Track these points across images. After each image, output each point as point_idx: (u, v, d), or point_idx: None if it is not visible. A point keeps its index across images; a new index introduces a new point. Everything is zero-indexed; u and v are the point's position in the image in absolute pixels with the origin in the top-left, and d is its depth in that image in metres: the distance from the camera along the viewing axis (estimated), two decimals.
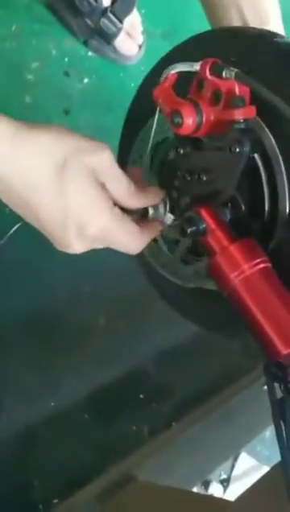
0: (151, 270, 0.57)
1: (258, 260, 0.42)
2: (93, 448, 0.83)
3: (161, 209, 0.49)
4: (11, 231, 0.52)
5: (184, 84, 0.45)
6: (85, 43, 1.02)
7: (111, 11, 0.97)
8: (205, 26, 0.65)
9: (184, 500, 0.60)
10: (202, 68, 0.42)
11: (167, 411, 0.91)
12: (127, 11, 0.99)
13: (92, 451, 0.83)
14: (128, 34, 1.02)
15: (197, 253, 0.52)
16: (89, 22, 0.98)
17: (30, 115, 0.94)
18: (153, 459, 0.79)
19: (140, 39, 1.04)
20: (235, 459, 0.84)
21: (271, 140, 0.44)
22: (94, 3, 0.97)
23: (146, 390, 0.90)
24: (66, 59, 1.02)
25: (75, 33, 1.01)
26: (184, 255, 0.53)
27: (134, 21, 1.02)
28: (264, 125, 0.44)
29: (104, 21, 0.98)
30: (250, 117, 0.43)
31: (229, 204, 0.46)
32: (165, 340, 0.96)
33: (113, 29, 0.99)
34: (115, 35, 1.00)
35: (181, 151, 0.48)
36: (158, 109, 0.48)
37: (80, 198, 0.41)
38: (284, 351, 0.40)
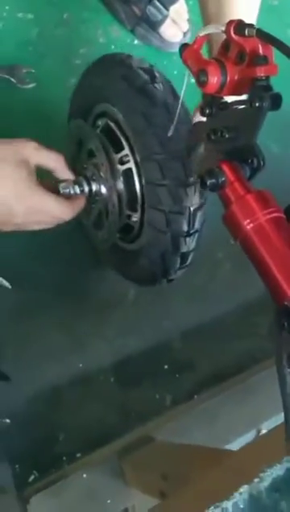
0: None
1: (272, 209, 0.45)
2: (116, 410, 0.87)
3: (76, 189, 0.65)
4: None
5: None
6: (132, 31, 1.06)
7: None
8: None
9: (198, 453, 0.63)
10: (227, 28, 0.45)
11: (190, 384, 0.93)
12: None
13: (115, 413, 0.87)
14: (173, 21, 1.05)
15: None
16: (135, 9, 1.03)
17: None
18: (172, 424, 0.82)
19: (185, 26, 1.06)
20: (258, 434, 0.86)
21: None
22: None
23: (170, 361, 0.93)
24: (112, 46, 1.06)
25: (122, 21, 1.05)
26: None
27: (179, 9, 1.05)
28: None
29: (150, 8, 1.01)
30: (273, 75, 0.45)
31: (250, 161, 0.49)
32: (192, 318, 0.98)
33: (159, 16, 1.03)
34: (161, 22, 1.03)
35: (207, 111, 0.51)
36: (186, 72, 0.51)
37: (17, 182, 0.57)
38: None
